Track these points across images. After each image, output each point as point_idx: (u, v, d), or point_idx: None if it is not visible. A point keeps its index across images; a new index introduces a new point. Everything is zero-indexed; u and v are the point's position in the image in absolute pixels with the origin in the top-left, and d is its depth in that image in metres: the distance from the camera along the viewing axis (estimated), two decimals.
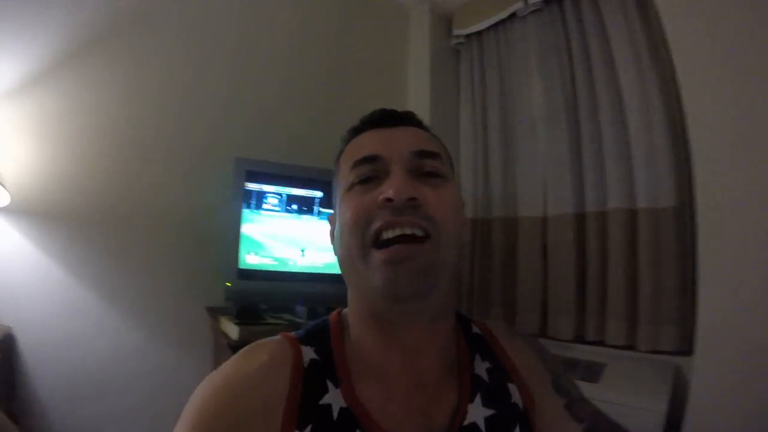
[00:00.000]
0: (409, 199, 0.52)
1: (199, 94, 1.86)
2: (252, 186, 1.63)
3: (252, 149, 1.79)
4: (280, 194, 1.67)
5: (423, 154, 0.57)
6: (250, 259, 1.60)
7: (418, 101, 2.37)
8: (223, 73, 1.92)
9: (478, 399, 0.54)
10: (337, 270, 0.61)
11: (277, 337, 0.59)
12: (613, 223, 1.80)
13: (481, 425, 0.53)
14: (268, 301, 1.66)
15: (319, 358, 0.56)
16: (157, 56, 1.82)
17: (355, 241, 0.54)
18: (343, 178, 0.60)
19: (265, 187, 1.65)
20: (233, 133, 1.89)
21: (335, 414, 0.51)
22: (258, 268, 1.61)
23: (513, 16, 2.21)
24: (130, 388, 1.60)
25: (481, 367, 0.58)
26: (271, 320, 1.52)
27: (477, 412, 0.53)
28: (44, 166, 1.57)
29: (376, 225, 0.53)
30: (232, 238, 1.58)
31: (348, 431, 0.50)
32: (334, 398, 0.52)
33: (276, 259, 1.65)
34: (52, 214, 1.55)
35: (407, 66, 2.47)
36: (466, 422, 0.53)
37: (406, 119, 0.64)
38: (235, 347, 1.32)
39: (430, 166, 0.57)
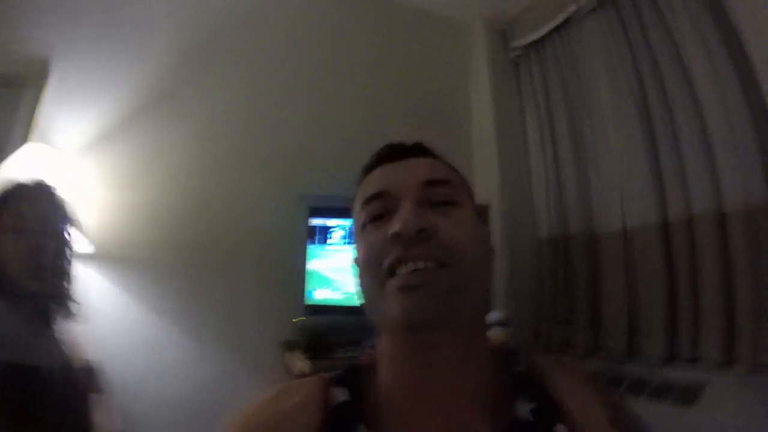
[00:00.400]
0: (419, 231, 0.50)
1: (264, 132, 1.94)
2: (316, 221, 1.66)
3: (316, 184, 1.83)
4: (344, 227, 1.68)
5: (433, 183, 0.56)
6: (318, 294, 1.62)
7: (481, 118, 2.27)
8: (286, 110, 1.98)
9: None
10: None
11: (313, 377, 0.59)
12: (700, 227, 1.61)
13: None
14: (338, 335, 1.66)
15: (350, 399, 0.54)
16: (224, 99, 1.93)
17: (371, 280, 0.54)
18: (357, 217, 0.60)
19: (329, 222, 1.67)
20: (297, 168, 1.94)
21: None
22: (326, 303, 1.63)
23: (568, 20, 2.10)
24: (206, 417, 1.62)
25: (525, 409, 0.52)
26: (340, 354, 1.53)
27: None
28: (123, 213, 1.67)
29: (388, 261, 0.51)
30: (298, 275, 1.62)
31: None
32: None
33: (344, 293, 1.66)
34: (131, 258, 1.66)
35: (468, 84, 2.38)
36: None
37: (416, 150, 0.62)
38: None
39: (441, 194, 0.56)
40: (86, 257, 1.62)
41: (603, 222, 1.93)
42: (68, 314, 1.10)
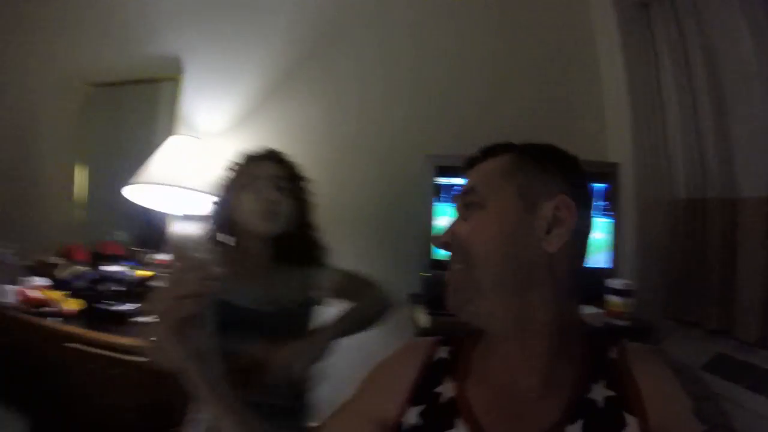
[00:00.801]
0: (443, 244, 0.66)
1: (390, 97, 2.03)
2: (442, 180, 1.71)
3: (443, 144, 1.84)
4: None
5: (464, 193, 0.66)
6: None
7: (610, 71, 2.02)
8: (410, 74, 2.05)
9: (579, 424, 0.55)
10: None
11: (428, 338, 0.73)
12: None
13: None
14: None
15: (448, 357, 0.68)
16: (353, 71, 2.06)
17: None
18: None
19: (454, 180, 1.70)
20: (424, 130, 2.00)
21: (442, 401, 0.63)
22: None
23: None
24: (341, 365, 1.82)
25: (600, 393, 0.57)
26: None
27: None
28: None
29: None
30: (425, 231, 1.69)
31: (450, 417, 0.60)
32: (446, 389, 0.64)
33: None
34: None
35: (594, 34, 2.09)
36: None
37: (481, 158, 0.68)
38: (424, 334, 1.40)
39: (468, 200, 0.64)
40: None
41: (746, 186, 1.68)
42: (306, 257, 1.23)
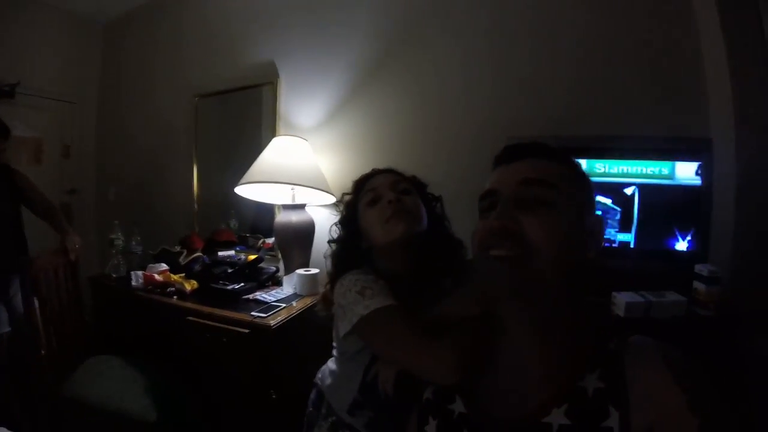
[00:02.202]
0: (501, 229, 0.62)
1: (470, 85, 2.02)
2: None
3: (524, 126, 1.81)
4: None
5: (528, 182, 0.64)
6: None
7: (711, 39, 1.69)
8: (487, 59, 2.00)
9: (564, 407, 0.59)
10: None
11: None
12: None
13: (554, 429, 0.59)
14: None
15: None
16: (431, 63, 2.09)
17: (478, 254, 0.68)
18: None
19: None
20: (505, 113, 1.95)
21: None
22: None
23: None
24: None
25: (592, 383, 0.60)
26: None
27: (556, 418, 0.59)
28: (354, 171, 1.99)
29: (487, 245, 0.64)
30: None
31: (453, 394, 0.72)
32: None
33: None
34: None
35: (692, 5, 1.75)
36: (543, 420, 0.60)
37: (528, 151, 0.69)
38: None
39: (535, 193, 0.63)
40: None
41: None
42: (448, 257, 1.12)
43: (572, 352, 0.63)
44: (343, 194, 1.20)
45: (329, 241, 1.18)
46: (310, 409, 1.16)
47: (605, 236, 0.72)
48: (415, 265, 1.07)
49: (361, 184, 1.15)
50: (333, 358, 1.15)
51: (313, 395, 1.18)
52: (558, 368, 0.62)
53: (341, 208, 1.18)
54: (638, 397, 0.56)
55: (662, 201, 1.52)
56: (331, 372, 1.13)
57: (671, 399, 0.54)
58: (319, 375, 1.19)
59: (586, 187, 0.69)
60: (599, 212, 0.74)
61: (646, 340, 0.62)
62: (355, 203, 1.13)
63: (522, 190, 0.64)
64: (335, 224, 1.18)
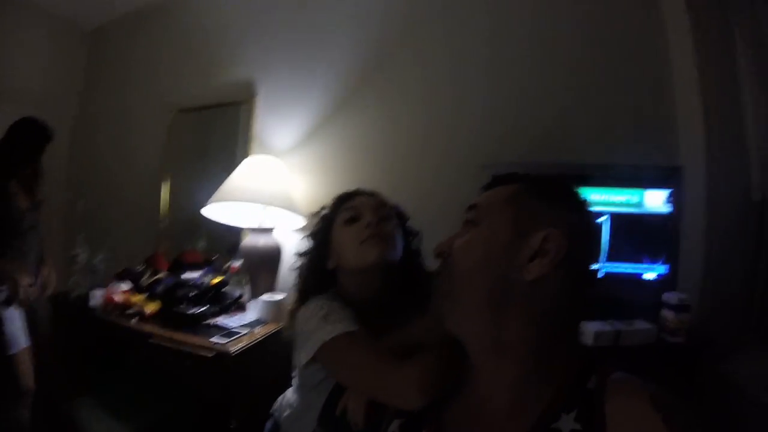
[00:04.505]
0: (438, 254, 0.68)
1: (448, 112, 2.02)
2: None
3: (498, 152, 1.84)
4: None
5: (466, 210, 0.68)
6: None
7: (682, 71, 1.75)
8: (467, 86, 2.01)
9: None
10: None
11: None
12: None
13: None
14: None
15: None
16: (411, 87, 2.09)
17: None
18: None
19: None
20: (482, 141, 1.94)
21: (417, 412, 0.70)
22: None
23: None
24: None
25: (567, 425, 0.55)
26: None
27: None
28: (327, 194, 1.97)
29: None
30: None
31: (420, 427, 0.68)
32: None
33: None
34: None
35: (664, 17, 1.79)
36: None
37: (495, 184, 0.71)
38: None
39: (467, 217, 0.67)
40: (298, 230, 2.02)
41: None
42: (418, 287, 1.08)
43: (545, 387, 0.59)
44: (322, 207, 1.16)
45: (296, 254, 1.14)
46: None
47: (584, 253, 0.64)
48: (380, 293, 1.04)
49: (341, 201, 1.11)
50: (292, 388, 1.12)
51: (269, 425, 1.15)
52: (529, 403, 0.59)
53: (315, 221, 1.14)
54: None
55: (632, 229, 1.52)
56: (289, 403, 1.10)
57: None
58: (277, 405, 1.16)
59: (549, 205, 0.64)
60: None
61: (627, 378, 0.57)
62: (332, 218, 1.09)
63: (465, 215, 0.68)
64: (306, 236, 1.15)
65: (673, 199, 1.51)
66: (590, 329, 1.33)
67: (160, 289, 1.93)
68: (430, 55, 2.07)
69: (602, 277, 1.53)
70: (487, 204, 0.66)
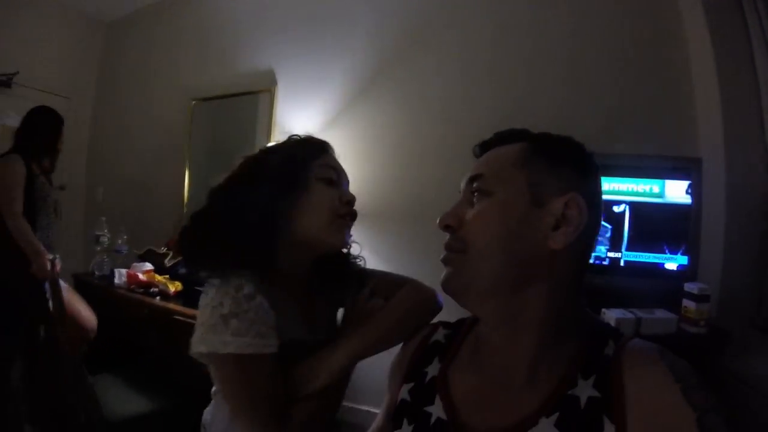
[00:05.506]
0: (445, 227, 0.61)
1: (467, 96, 2.04)
2: None
3: None
4: None
5: (472, 180, 0.62)
6: None
7: (700, 64, 1.76)
8: (483, 74, 2.03)
9: (554, 417, 0.52)
10: None
11: (434, 322, 0.76)
12: None
13: None
14: None
15: (443, 340, 0.70)
16: (428, 76, 2.10)
17: None
18: None
19: None
20: (499, 126, 1.92)
21: (428, 380, 0.65)
22: None
23: None
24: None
25: (585, 392, 0.52)
26: None
27: (545, 428, 0.52)
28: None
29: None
30: None
31: (432, 395, 0.63)
32: (432, 369, 0.66)
33: None
34: (360, 215, 1.96)
35: (682, 27, 1.81)
36: (530, 430, 0.53)
37: (495, 143, 0.66)
38: None
39: (475, 188, 0.60)
40: None
41: None
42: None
43: (562, 356, 0.56)
44: (291, 136, 0.91)
45: (215, 194, 0.83)
46: None
47: (596, 218, 0.60)
48: (313, 273, 0.86)
49: (315, 150, 0.85)
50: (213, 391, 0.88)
51: None
52: (546, 372, 0.56)
53: (273, 155, 0.85)
54: (639, 411, 0.49)
55: (652, 219, 1.52)
56: (212, 411, 0.88)
57: (679, 415, 0.47)
58: (206, 416, 0.90)
59: (563, 167, 0.59)
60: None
61: (646, 345, 0.54)
62: (305, 164, 0.81)
63: (470, 186, 0.61)
64: (248, 172, 0.83)
65: (693, 190, 1.51)
66: (611, 316, 1.32)
67: (182, 270, 1.97)
68: (445, 48, 2.09)
69: (623, 265, 1.53)
70: (495, 170, 0.60)
